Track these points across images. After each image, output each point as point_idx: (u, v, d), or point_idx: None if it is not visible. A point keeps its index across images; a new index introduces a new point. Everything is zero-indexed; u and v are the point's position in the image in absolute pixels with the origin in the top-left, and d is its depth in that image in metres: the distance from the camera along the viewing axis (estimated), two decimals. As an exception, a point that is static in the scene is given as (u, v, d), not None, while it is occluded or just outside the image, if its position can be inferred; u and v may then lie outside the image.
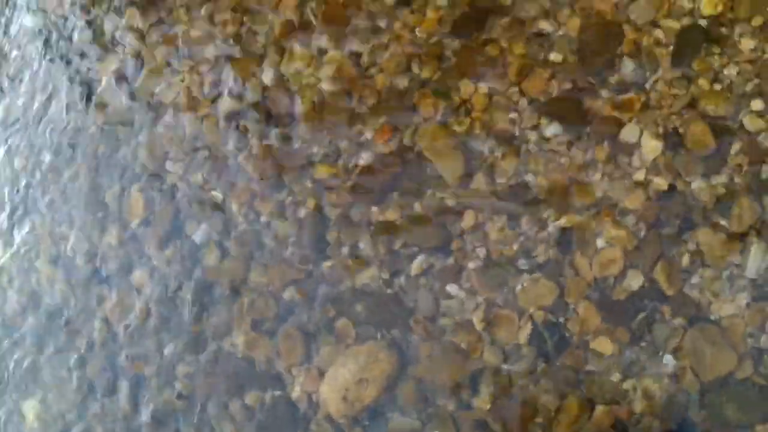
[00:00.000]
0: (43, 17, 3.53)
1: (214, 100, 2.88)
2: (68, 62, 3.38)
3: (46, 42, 3.52)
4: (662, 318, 2.25)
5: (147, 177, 2.91)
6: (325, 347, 2.50)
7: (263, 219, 2.67)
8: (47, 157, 3.23)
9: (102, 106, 3.15)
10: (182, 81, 2.99)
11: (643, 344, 2.25)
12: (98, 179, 3.05)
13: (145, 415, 2.75)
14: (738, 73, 2.35)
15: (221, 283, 2.68)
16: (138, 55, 3.14)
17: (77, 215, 3.05)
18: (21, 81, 3.58)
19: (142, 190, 2.90)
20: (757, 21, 2.36)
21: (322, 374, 2.47)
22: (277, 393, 2.54)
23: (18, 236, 3.21)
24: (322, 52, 2.79)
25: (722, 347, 2.19)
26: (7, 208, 3.30)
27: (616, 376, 2.25)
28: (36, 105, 3.40)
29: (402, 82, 2.64)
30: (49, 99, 3.37)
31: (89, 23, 3.34)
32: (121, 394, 2.79)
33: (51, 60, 3.45)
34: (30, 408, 3.00)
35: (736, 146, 2.29)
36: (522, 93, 2.51)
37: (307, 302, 2.55)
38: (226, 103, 2.85)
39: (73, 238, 3.05)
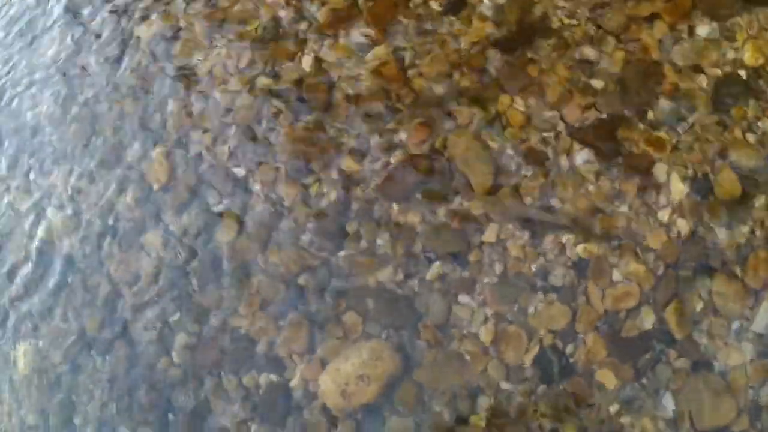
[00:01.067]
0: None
1: (251, 78, 2.86)
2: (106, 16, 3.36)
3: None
4: (667, 360, 2.28)
5: (173, 143, 2.89)
6: (330, 339, 2.50)
7: (285, 202, 2.66)
8: (74, 110, 3.20)
9: (135, 67, 3.13)
10: (219, 54, 2.98)
11: (645, 382, 2.27)
12: (122, 138, 3.03)
13: (136, 381, 2.74)
14: (772, 127, 2.38)
15: (234, 259, 2.68)
16: (177, 22, 3.12)
17: (97, 170, 3.03)
18: (51, 27, 3.55)
19: (167, 155, 2.89)
20: (796, 79, 2.40)
21: (323, 365, 2.47)
22: (275, 377, 2.53)
23: (34, 183, 3.19)
24: (365, 46, 2.78)
25: (722, 397, 2.23)
26: (26, 157, 3.28)
27: (614, 409, 2.27)
28: (66, 54, 3.38)
29: (441, 88, 2.64)
30: (79, 51, 3.35)
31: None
32: (117, 355, 2.78)
33: (86, 10, 3.43)
34: (22, 354, 2.98)
35: (761, 200, 2.32)
36: (559, 116, 2.52)
37: (318, 291, 2.55)
38: (262, 82, 2.84)
39: (90, 191, 3.03)
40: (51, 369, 2.93)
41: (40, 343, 2.97)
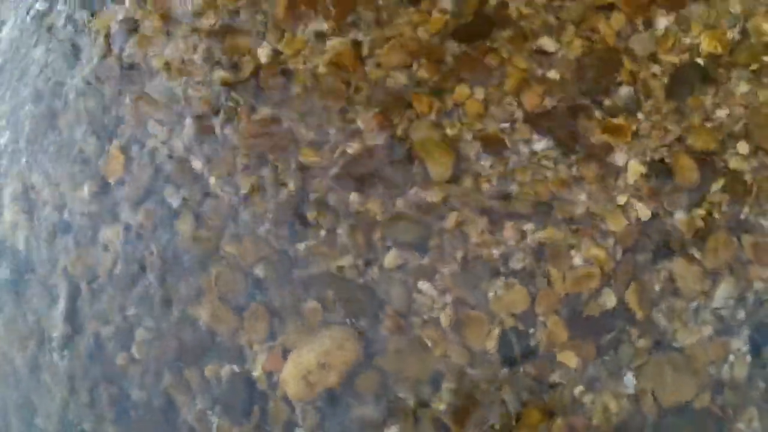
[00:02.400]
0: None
1: (207, 71, 2.84)
2: (58, 12, 3.32)
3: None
4: (629, 339, 2.29)
5: (129, 137, 2.86)
6: (291, 328, 2.48)
7: (242, 193, 2.64)
8: (27, 106, 3.16)
9: (90, 61, 3.10)
10: (176, 46, 2.95)
11: (607, 360, 2.28)
12: (77, 133, 2.99)
13: (96, 377, 2.70)
14: (728, 115, 2.40)
15: (192, 252, 2.65)
16: (134, 15, 3.09)
17: (52, 166, 2.99)
18: (3, 24, 3.51)
19: (122, 150, 2.85)
20: (754, 66, 2.42)
21: (285, 354, 2.46)
22: (237, 368, 2.51)
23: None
24: (322, 36, 2.77)
25: (683, 375, 2.24)
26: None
27: (578, 389, 2.28)
28: (22, 50, 3.34)
29: (399, 78, 2.64)
30: (36, 46, 3.31)
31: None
32: (76, 352, 2.74)
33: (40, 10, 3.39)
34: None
35: (717, 184, 2.34)
36: (517, 105, 2.53)
37: (278, 281, 2.53)
38: (218, 75, 2.82)
39: (43, 187, 2.99)
40: (11, 370, 2.88)
41: (-1, 343, 2.93)
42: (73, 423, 2.73)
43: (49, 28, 3.31)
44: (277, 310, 2.53)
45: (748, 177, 2.39)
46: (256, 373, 2.50)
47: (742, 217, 2.36)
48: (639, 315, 2.31)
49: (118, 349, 2.69)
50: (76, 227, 2.89)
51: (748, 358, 2.26)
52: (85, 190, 2.91)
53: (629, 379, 2.28)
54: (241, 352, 2.54)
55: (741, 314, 2.30)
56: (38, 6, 3.41)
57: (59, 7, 3.33)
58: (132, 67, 3.03)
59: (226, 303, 2.59)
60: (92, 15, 3.22)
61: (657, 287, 2.32)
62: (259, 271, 2.58)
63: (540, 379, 2.32)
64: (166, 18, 3.05)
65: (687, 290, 2.31)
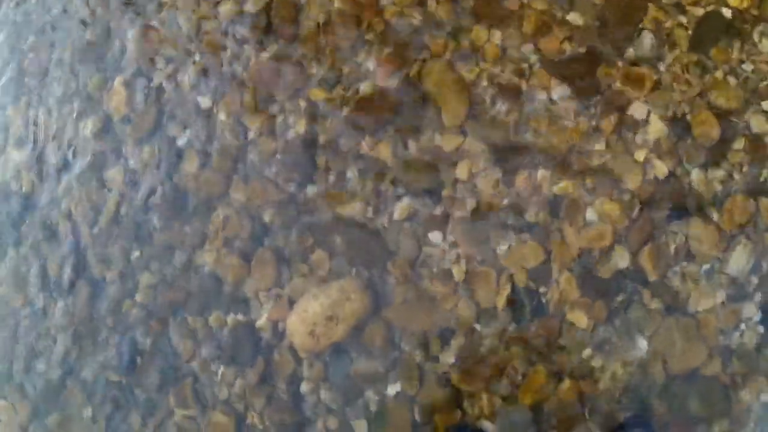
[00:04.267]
0: None
1: (215, 4, 2.75)
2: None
3: None
4: (640, 301, 2.24)
5: (134, 72, 2.78)
6: (297, 277, 2.44)
7: (250, 134, 2.58)
8: (30, 38, 3.08)
9: (94, -9, 3.00)
10: (182, -23, 2.85)
11: (617, 324, 2.23)
12: (81, 66, 2.91)
13: (99, 323, 2.66)
14: (753, 71, 2.32)
15: (198, 194, 2.60)
16: (140, -56, 2.99)
17: (53, 101, 2.91)
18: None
19: (127, 85, 2.78)
20: (780, 23, 2.34)
21: (291, 304, 2.42)
22: (242, 317, 2.47)
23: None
24: (335, -31, 2.67)
25: (694, 340, 2.21)
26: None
27: (587, 353, 2.23)
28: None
29: (415, 17, 2.54)
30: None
31: None
32: (79, 297, 2.70)
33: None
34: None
35: (739, 143, 2.27)
36: (535, 50, 2.44)
37: (285, 227, 2.48)
38: (227, 7, 2.73)
39: (47, 125, 2.92)
40: (11, 313, 2.84)
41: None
42: (74, 369, 2.69)
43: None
44: (284, 257, 2.48)
45: (769, 137, 2.31)
46: (262, 322, 2.46)
47: (762, 179, 2.28)
48: (652, 276, 2.25)
49: (123, 294, 2.64)
50: (79, 167, 2.82)
51: (760, 327, 2.21)
52: (89, 128, 2.83)
53: (641, 342, 2.23)
54: (246, 301, 2.49)
55: (755, 281, 2.24)
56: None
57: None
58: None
59: (231, 249, 2.53)
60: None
61: (672, 248, 2.26)
62: (266, 215, 2.53)
63: (549, 338, 2.27)
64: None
65: (702, 253, 2.26)
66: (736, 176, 2.29)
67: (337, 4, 2.63)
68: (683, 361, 2.22)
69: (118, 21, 2.91)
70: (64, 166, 2.82)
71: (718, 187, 2.29)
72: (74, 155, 2.82)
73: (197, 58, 2.73)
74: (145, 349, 2.60)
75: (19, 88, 3.04)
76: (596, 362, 2.24)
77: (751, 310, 2.21)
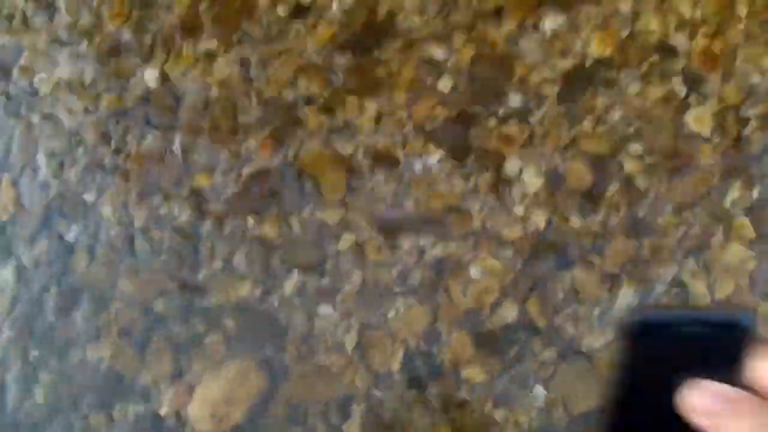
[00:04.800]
0: None
1: (95, 97, 2.77)
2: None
3: None
4: (533, 350, 2.28)
5: (19, 169, 2.78)
6: (195, 363, 2.44)
7: (136, 225, 2.59)
8: None
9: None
10: (63, 72, 2.87)
11: (513, 374, 2.28)
12: (-34, 167, 2.91)
13: (2, 426, 2.64)
14: (620, 116, 2.39)
15: (89, 288, 2.59)
16: (19, 39, 3.00)
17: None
18: None
19: (13, 183, 2.77)
20: (643, 67, 2.41)
21: (191, 390, 2.42)
22: (143, 408, 2.46)
23: None
24: (211, 55, 2.72)
25: (592, 380, 2.24)
26: None
27: (487, 407, 2.27)
28: None
29: (289, 95, 2.59)
30: None
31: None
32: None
33: None
34: None
35: (613, 187, 2.33)
36: (408, 117, 2.50)
37: (178, 315, 2.49)
38: (108, 100, 2.75)
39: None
40: None
41: None
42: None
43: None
44: (180, 344, 2.48)
45: (642, 178, 2.37)
46: (165, 411, 2.45)
47: (638, 218, 2.35)
48: (542, 324, 2.30)
49: (24, 395, 2.62)
50: (-30, 269, 2.81)
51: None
52: (-21, 228, 2.83)
53: (539, 389, 2.27)
54: (147, 391, 2.49)
55: (642, 318, 2.29)
56: None
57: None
58: (18, 94, 2.94)
59: (127, 341, 2.53)
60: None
61: (560, 295, 2.31)
62: (158, 305, 2.53)
63: (448, 398, 2.30)
64: (52, 40, 2.96)
65: (589, 296, 2.31)
66: (613, 219, 2.34)
67: (213, 92, 2.65)
68: (584, 401, 2.26)
69: (2, 120, 2.89)
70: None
71: (598, 231, 2.34)
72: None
73: (81, 152, 2.73)
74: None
75: None
76: (498, 414, 2.27)
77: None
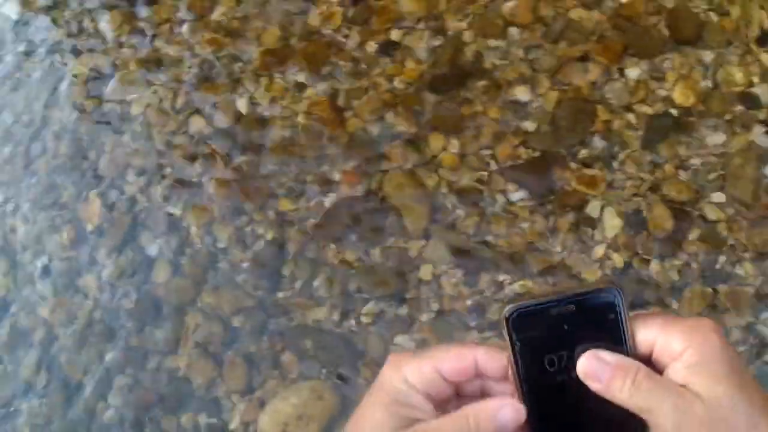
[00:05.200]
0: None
1: (185, 119, 2.86)
2: (38, 55, 3.34)
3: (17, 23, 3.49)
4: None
5: (107, 184, 2.88)
6: (268, 379, 2.49)
7: (220, 244, 2.66)
8: (7, 148, 3.18)
9: (69, 105, 3.11)
10: (154, 93, 2.97)
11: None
12: (56, 178, 3.00)
13: (74, 424, 2.69)
14: (702, 164, 2.42)
15: (169, 300, 2.66)
16: (113, 60, 3.11)
17: (31, 210, 3.00)
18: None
19: (101, 196, 2.86)
20: (726, 116, 2.45)
21: (262, 405, 2.46)
22: (214, 419, 2.51)
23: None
24: (300, 86, 2.80)
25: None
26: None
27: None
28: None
29: (375, 129, 2.66)
30: (15, 89, 3.32)
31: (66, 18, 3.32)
32: (53, 399, 2.74)
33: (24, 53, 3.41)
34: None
35: (694, 233, 2.36)
36: (492, 155, 2.55)
37: (256, 331, 2.54)
38: (196, 124, 2.84)
39: (23, 231, 3.00)
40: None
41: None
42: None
43: (29, 72, 3.32)
44: (255, 360, 2.53)
45: (723, 227, 2.40)
46: (234, 424, 2.49)
47: (718, 266, 2.37)
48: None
49: (96, 397, 2.68)
50: (55, 273, 2.89)
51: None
52: (64, 236, 2.91)
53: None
54: (218, 403, 2.53)
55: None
56: (19, 48, 3.42)
57: (40, 50, 3.34)
58: (110, 112, 3.04)
59: (203, 353, 2.59)
60: (74, 57, 3.23)
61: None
62: (236, 321, 2.58)
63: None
64: (145, 64, 3.06)
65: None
66: (693, 265, 2.36)
67: (301, 119, 2.73)
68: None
69: (93, 136, 2.99)
70: (40, 272, 2.88)
71: (676, 277, 2.35)
72: (49, 261, 2.88)
73: (168, 170, 2.81)
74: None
75: (-6, 197, 3.13)
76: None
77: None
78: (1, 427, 2.82)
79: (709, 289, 2.35)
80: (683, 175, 2.47)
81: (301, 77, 2.81)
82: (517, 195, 2.51)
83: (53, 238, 2.94)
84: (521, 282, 2.42)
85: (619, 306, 0.75)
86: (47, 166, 3.07)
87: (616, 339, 0.75)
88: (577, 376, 0.75)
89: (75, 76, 3.19)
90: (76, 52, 3.25)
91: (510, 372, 0.77)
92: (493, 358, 0.78)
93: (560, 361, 0.76)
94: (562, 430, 0.78)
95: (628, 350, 0.75)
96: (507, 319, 0.76)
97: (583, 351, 0.75)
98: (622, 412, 0.74)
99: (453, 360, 0.78)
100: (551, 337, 0.76)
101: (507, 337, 0.76)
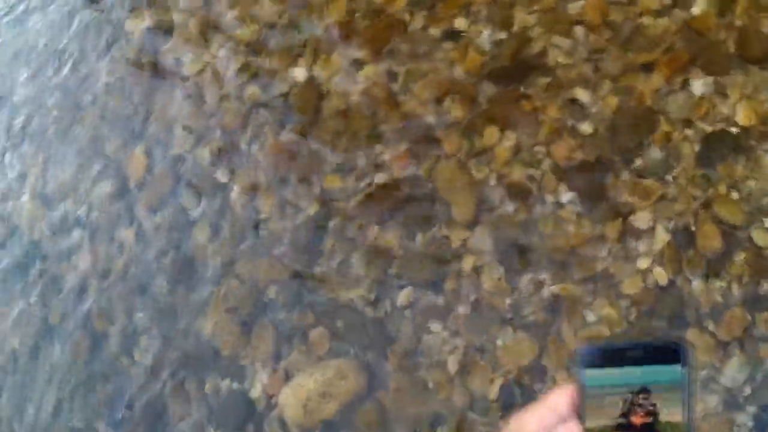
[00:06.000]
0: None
1: (240, 85, 2.84)
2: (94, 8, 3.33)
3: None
4: (633, 407, 2.26)
5: (154, 140, 2.86)
6: (295, 352, 2.47)
7: (262, 213, 2.63)
8: (55, 95, 3.17)
9: (123, 59, 3.10)
10: (211, 56, 2.95)
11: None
12: (103, 130, 3.00)
13: (95, 374, 2.69)
14: (757, 187, 2.37)
15: (205, 263, 2.64)
16: (170, 18, 3.10)
17: (74, 160, 2.99)
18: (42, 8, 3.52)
19: (147, 152, 2.85)
20: (786, 140, 2.40)
21: (287, 378, 2.44)
22: (237, 385, 2.49)
23: (9, 164, 3.15)
24: (358, 64, 2.77)
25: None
26: (4, 135, 3.24)
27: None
28: (55, 41, 3.35)
29: (430, 114, 2.63)
30: (71, 40, 3.31)
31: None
32: (78, 347, 2.73)
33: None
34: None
35: (740, 256, 2.31)
36: (547, 154, 2.51)
37: (288, 304, 2.52)
38: (251, 90, 2.82)
39: (65, 180, 2.99)
40: (10, 356, 2.87)
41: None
42: (66, 419, 2.71)
43: (86, 24, 3.31)
44: (284, 332, 2.51)
45: (771, 253, 2.35)
46: (256, 393, 2.48)
47: (761, 293, 2.32)
48: (646, 382, 2.28)
49: (122, 351, 2.67)
50: (93, 224, 2.88)
51: (753, 437, 2.23)
52: (106, 188, 2.90)
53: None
54: (243, 370, 2.52)
55: (748, 390, 2.26)
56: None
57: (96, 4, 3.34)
58: (164, 69, 3.03)
59: (233, 318, 2.57)
60: (130, 12, 3.22)
61: (669, 355, 2.28)
62: (270, 291, 2.56)
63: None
64: (205, 23, 3.04)
65: (697, 360, 2.28)
66: (735, 288, 2.32)
67: (356, 98, 2.70)
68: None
69: (145, 91, 2.98)
70: (77, 221, 2.88)
71: (718, 298, 2.31)
72: (88, 212, 2.87)
73: (217, 133, 2.79)
74: (138, 405, 2.60)
75: (41, 142, 3.11)
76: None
77: (744, 418, 2.22)
78: (23, 368, 2.82)
79: (748, 315, 2.30)
80: (736, 195, 2.42)
81: (360, 54, 2.77)
82: (567, 197, 2.47)
83: (95, 188, 2.92)
84: (562, 285, 2.38)
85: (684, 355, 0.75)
86: (95, 117, 3.06)
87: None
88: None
89: (132, 31, 3.16)
90: (135, 8, 3.22)
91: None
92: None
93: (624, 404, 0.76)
94: None
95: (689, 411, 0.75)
96: (583, 354, 0.77)
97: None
98: None
99: None
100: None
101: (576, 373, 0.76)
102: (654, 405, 0.75)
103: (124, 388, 2.65)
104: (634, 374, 0.75)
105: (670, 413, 0.75)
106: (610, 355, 0.76)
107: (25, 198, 3.06)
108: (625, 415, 0.75)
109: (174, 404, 2.57)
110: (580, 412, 0.76)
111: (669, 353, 0.75)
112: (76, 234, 2.88)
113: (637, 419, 0.75)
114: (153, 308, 2.68)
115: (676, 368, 0.74)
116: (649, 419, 0.75)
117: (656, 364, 0.75)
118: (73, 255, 2.86)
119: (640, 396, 0.75)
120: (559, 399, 0.77)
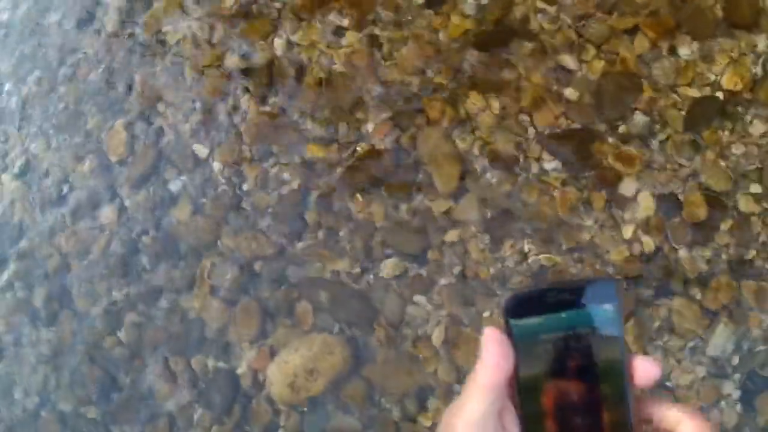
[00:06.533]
0: None
1: (220, 55, 2.79)
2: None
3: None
4: (620, 374, 2.25)
5: (135, 115, 2.82)
6: (281, 328, 2.45)
7: (245, 186, 2.60)
8: (35, 72, 3.12)
9: (101, 31, 3.05)
10: (190, 26, 2.90)
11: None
12: (84, 105, 2.95)
13: (80, 356, 2.67)
14: (743, 153, 2.35)
15: (188, 240, 2.61)
16: (153, -12, 3.05)
17: (55, 136, 2.95)
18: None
19: (127, 127, 2.81)
20: (772, 106, 2.37)
21: (272, 354, 2.43)
22: (223, 363, 2.48)
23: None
24: (340, 32, 2.72)
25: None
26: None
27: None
28: (29, 12, 3.29)
29: (413, 82, 2.59)
30: (45, 9, 3.26)
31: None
32: (61, 329, 2.71)
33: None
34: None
35: (727, 224, 2.29)
36: (531, 122, 2.48)
37: (273, 279, 2.50)
38: (231, 60, 2.77)
39: (45, 157, 2.95)
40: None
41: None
42: (53, 403, 2.69)
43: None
44: (269, 308, 2.49)
45: (756, 220, 2.33)
46: (242, 370, 2.47)
47: (747, 260, 2.30)
48: (633, 350, 2.26)
49: (106, 331, 2.65)
50: (74, 203, 2.84)
51: (739, 406, 2.21)
52: (86, 165, 2.86)
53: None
54: (229, 348, 2.51)
55: (735, 359, 2.25)
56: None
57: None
58: (143, 42, 2.98)
59: (217, 296, 2.55)
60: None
61: (656, 324, 2.27)
62: (255, 266, 2.54)
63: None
64: (184, -6, 3.00)
65: (684, 329, 2.27)
66: (723, 256, 2.30)
67: (338, 67, 2.66)
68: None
69: (124, 64, 2.93)
70: (58, 200, 2.84)
71: (704, 267, 2.30)
72: (70, 190, 2.83)
73: (198, 105, 2.75)
74: (124, 386, 2.59)
75: (21, 118, 3.07)
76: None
77: (730, 387, 2.22)
78: (9, 354, 2.80)
79: (736, 283, 2.28)
80: (723, 162, 2.39)
81: (342, 21, 2.72)
82: (552, 165, 2.44)
83: (75, 165, 2.88)
84: (546, 255, 2.35)
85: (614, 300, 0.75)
86: (75, 92, 3.01)
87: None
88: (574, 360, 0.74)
89: (110, 2, 3.11)
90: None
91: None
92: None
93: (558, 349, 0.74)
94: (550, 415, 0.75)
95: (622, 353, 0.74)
96: (508, 305, 0.75)
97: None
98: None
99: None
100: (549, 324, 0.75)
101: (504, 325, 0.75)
102: (589, 347, 0.73)
103: (110, 370, 2.62)
104: (564, 318, 0.74)
105: (605, 352, 0.74)
106: (537, 302, 0.74)
107: (4, 176, 3.01)
108: (559, 359, 0.73)
109: (160, 384, 2.54)
110: (513, 364, 0.73)
111: (598, 292, 0.74)
112: (58, 213, 2.84)
113: (572, 363, 0.74)
114: (136, 287, 2.65)
115: (608, 306, 0.74)
116: (585, 361, 0.74)
117: (586, 305, 0.74)
118: (55, 235, 2.83)
119: (573, 339, 0.74)
120: (486, 372, 0.74)
